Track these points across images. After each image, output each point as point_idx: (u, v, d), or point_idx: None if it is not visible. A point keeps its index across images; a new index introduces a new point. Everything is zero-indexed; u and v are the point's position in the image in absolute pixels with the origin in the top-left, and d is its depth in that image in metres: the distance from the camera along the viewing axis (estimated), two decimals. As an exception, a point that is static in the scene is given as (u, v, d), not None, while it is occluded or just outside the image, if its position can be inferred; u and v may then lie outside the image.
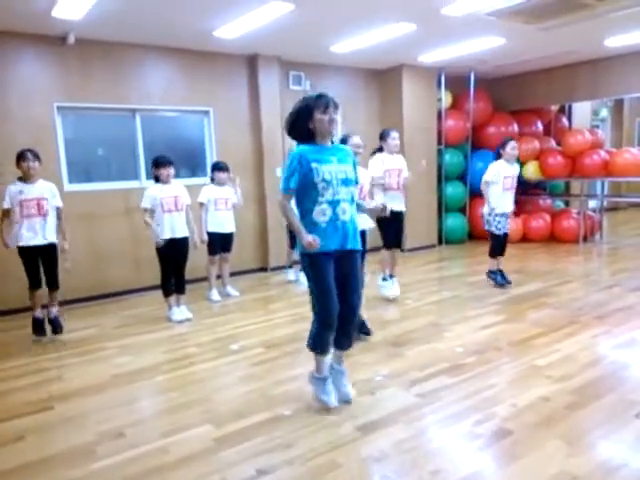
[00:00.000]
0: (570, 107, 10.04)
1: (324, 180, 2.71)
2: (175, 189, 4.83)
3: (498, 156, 5.57)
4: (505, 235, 5.60)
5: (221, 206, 5.54)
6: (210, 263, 5.67)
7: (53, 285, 4.49)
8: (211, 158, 6.59)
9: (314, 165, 2.71)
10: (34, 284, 4.40)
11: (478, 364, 3.55)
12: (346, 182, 2.80)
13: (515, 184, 5.57)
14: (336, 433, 2.70)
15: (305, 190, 2.74)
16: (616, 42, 6.79)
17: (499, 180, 5.43)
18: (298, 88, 7.28)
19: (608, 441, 2.54)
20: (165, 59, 6.22)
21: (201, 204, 5.42)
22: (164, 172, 4.73)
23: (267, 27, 5.41)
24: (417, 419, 2.82)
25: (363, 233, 4.18)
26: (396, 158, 5.03)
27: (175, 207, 4.77)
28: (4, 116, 5.29)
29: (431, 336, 4.18)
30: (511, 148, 5.44)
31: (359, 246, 2.90)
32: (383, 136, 5.00)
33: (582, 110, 10.35)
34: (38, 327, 4.47)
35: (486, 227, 5.65)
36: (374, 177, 4.81)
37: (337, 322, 2.84)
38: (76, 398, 3.33)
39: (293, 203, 2.85)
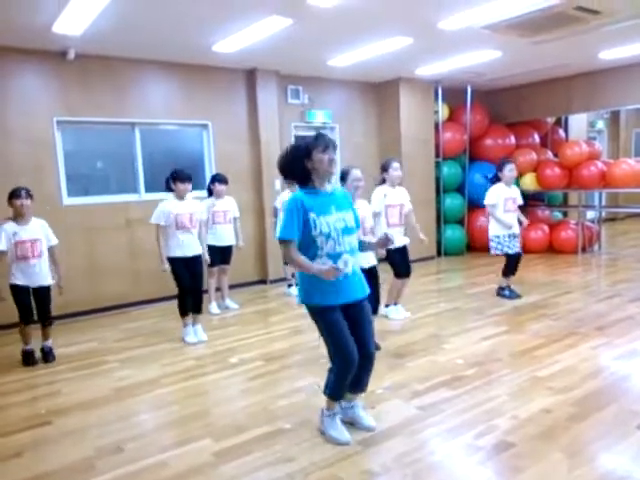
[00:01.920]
0: (567, 119, 10.12)
1: (322, 233, 2.56)
2: (191, 206, 4.65)
3: (497, 179, 5.57)
4: (518, 254, 5.57)
5: (219, 219, 5.54)
6: (209, 276, 5.64)
7: (46, 321, 4.38)
8: (210, 171, 6.61)
9: (312, 216, 2.55)
10: (25, 320, 4.28)
11: (478, 376, 3.54)
12: (347, 231, 2.64)
13: (517, 206, 5.57)
14: (337, 447, 2.69)
15: (304, 240, 2.60)
16: (611, 55, 6.86)
17: (499, 203, 5.44)
18: (296, 102, 7.34)
19: (610, 453, 2.52)
20: (164, 73, 6.27)
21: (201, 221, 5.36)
22: (182, 187, 4.54)
23: (265, 42, 5.46)
24: (418, 432, 2.80)
25: (373, 270, 4.10)
26: (398, 191, 4.87)
27: (190, 224, 4.58)
28: (4, 130, 5.31)
29: (431, 348, 4.17)
30: (509, 170, 5.45)
31: (367, 291, 2.78)
32: (385, 167, 4.82)
33: (578, 122, 10.43)
34: (28, 358, 4.33)
35: (495, 251, 5.57)
36: (375, 212, 4.67)
37: (357, 370, 2.72)
38: (75, 412, 3.31)
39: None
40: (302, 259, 2.59)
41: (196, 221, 4.68)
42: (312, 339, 4.40)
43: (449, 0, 4.57)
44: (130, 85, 6.03)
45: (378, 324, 4.90)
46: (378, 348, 4.12)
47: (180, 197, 4.60)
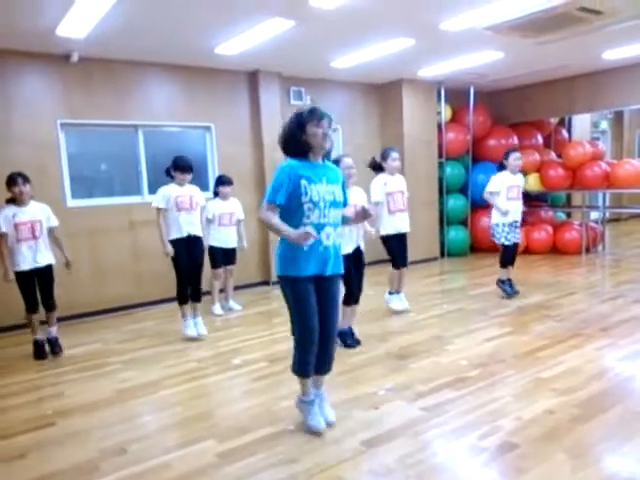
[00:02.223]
0: (570, 119, 10.10)
1: (311, 201, 2.58)
2: (190, 189, 4.73)
3: (501, 167, 5.60)
4: (515, 245, 5.60)
5: (225, 221, 5.53)
6: (214, 277, 5.65)
7: (50, 306, 4.45)
8: (213, 173, 6.63)
9: (303, 182, 2.58)
10: (31, 308, 4.36)
11: (482, 377, 3.53)
12: (334, 204, 2.68)
13: (521, 194, 5.58)
14: (340, 448, 2.68)
15: (290, 208, 2.61)
16: (614, 55, 6.85)
17: (502, 190, 5.45)
18: (299, 103, 7.33)
19: (615, 455, 2.51)
20: (167, 76, 6.29)
21: (207, 220, 5.40)
22: (180, 177, 4.63)
23: (268, 44, 5.47)
24: (421, 433, 2.80)
25: (358, 254, 4.16)
26: (397, 179, 4.96)
27: (190, 206, 4.65)
28: (8, 133, 5.34)
29: (435, 349, 4.17)
30: (514, 159, 5.47)
31: (341, 270, 2.81)
32: (384, 156, 4.90)
33: (582, 122, 10.40)
34: (39, 350, 4.42)
35: (495, 239, 5.63)
36: (375, 201, 4.77)
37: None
38: (78, 414, 3.32)
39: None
40: (279, 222, 2.60)
41: (196, 204, 4.73)
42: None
43: (451, 1, 4.57)
44: (133, 87, 6.05)
45: (381, 325, 4.93)
46: (359, 343, 4.26)
47: (180, 184, 4.67)
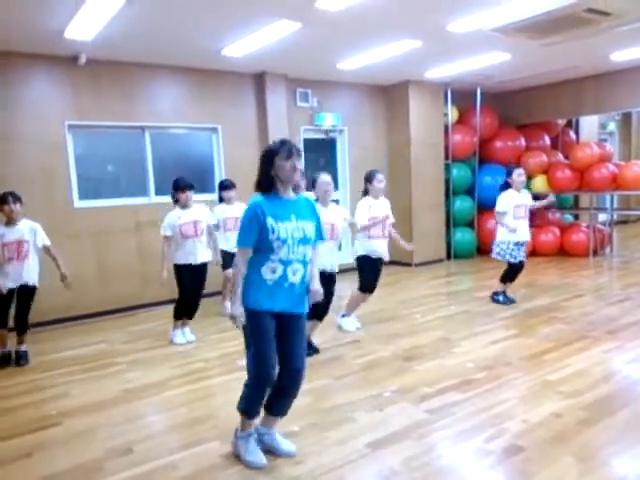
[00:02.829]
0: (577, 121, 10.04)
1: (279, 238, 2.50)
2: (194, 214, 4.64)
3: (507, 186, 5.48)
4: (521, 263, 5.50)
5: (230, 225, 5.44)
6: (227, 279, 5.62)
7: (22, 328, 4.36)
8: (219, 175, 6.64)
9: (269, 221, 2.50)
10: (1, 324, 4.29)
11: (488, 379, 3.51)
12: (303, 241, 2.58)
13: (528, 213, 5.48)
14: (345, 450, 2.68)
15: (259, 245, 2.55)
16: (622, 56, 6.80)
17: (509, 210, 5.36)
18: (305, 105, 7.35)
19: (622, 458, 2.49)
20: (174, 78, 6.31)
21: (215, 226, 5.31)
22: (183, 196, 4.57)
23: (274, 45, 5.48)
24: (427, 435, 2.78)
25: (333, 276, 4.06)
26: (382, 203, 4.74)
27: (195, 233, 4.60)
28: (17, 134, 5.38)
29: (440, 351, 4.15)
30: (517, 175, 5.38)
31: (305, 308, 2.69)
32: (369, 179, 4.69)
33: (590, 124, 10.35)
34: (3, 361, 4.35)
35: (497, 256, 5.52)
36: (361, 225, 4.57)
37: (280, 387, 2.63)
38: (84, 414, 3.33)
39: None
40: (239, 282, 2.57)
41: (201, 229, 4.66)
42: (318, 342, 4.40)
43: (458, 3, 4.56)
44: (140, 89, 6.08)
45: (386, 327, 4.91)
46: (317, 351, 4.17)
47: (184, 206, 4.60)
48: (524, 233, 5.44)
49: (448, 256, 8.61)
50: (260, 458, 2.62)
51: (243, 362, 4.06)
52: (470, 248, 8.69)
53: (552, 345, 4.14)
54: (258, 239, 2.54)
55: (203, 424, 3.08)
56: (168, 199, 4.90)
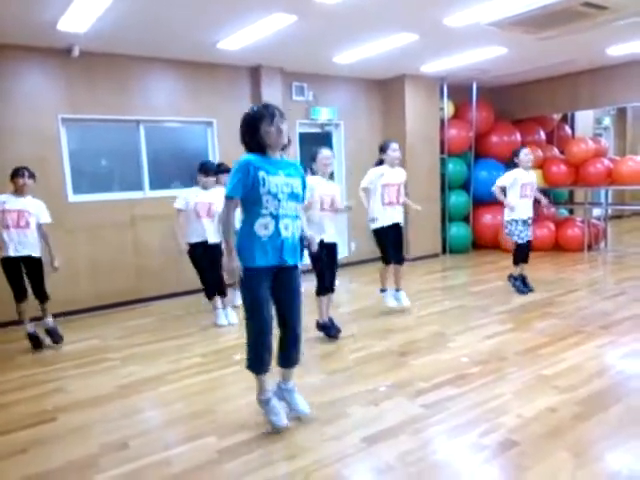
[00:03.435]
0: (573, 116, 10.05)
1: (269, 192, 2.62)
2: (212, 196, 4.85)
3: (513, 165, 5.57)
4: (528, 242, 5.61)
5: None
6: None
7: (41, 297, 4.48)
8: (215, 168, 6.61)
9: (261, 174, 2.61)
10: (18, 296, 4.39)
11: (483, 374, 3.52)
12: (292, 196, 2.71)
13: (533, 192, 5.56)
14: (340, 445, 2.68)
15: (249, 200, 2.65)
16: (618, 51, 6.80)
17: (515, 187, 5.44)
18: (301, 99, 7.32)
19: (616, 452, 2.51)
20: (169, 71, 6.26)
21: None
22: (204, 179, 4.84)
23: (270, 39, 5.45)
24: (422, 430, 2.79)
25: (334, 246, 4.31)
26: (397, 171, 4.93)
27: (207, 214, 4.82)
28: (9, 128, 5.33)
29: (436, 346, 4.16)
30: (524, 154, 5.47)
31: (298, 260, 2.83)
32: (383, 148, 4.90)
33: (585, 118, 10.36)
34: (34, 341, 4.45)
35: (509, 236, 5.66)
36: (362, 187, 4.86)
37: (281, 339, 2.80)
38: (79, 409, 3.32)
39: (239, 212, 2.76)
40: (230, 235, 2.68)
41: (214, 212, 4.84)
42: (314, 336, 4.41)
43: (455, -4, 4.54)
44: (135, 82, 6.03)
45: (381, 321, 4.92)
46: (339, 331, 4.39)
47: (204, 187, 4.84)
48: (527, 211, 5.51)
49: (443, 251, 8.62)
50: (280, 419, 2.82)
51: (238, 357, 4.09)
52: (465, 243, 8.70)
53: (547, 340, 4.16)
54: (249, 193, 2.62)
55: (200, 419, 3.07)
56: (163, 193, 4.91)
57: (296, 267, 2.83)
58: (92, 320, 5.58)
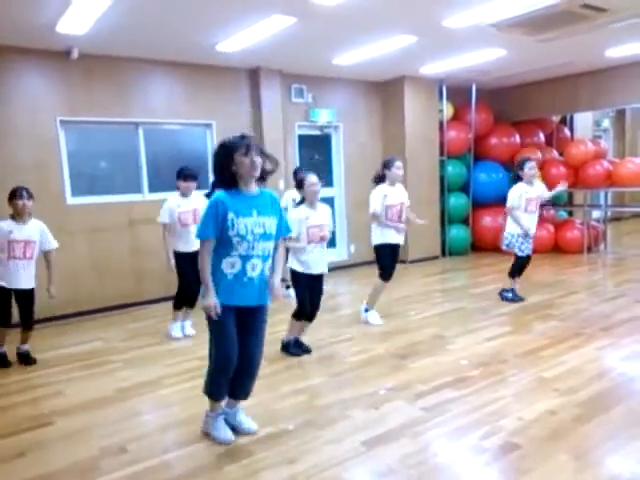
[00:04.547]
0: (572, 118, 10.06)
1: (238, 234, 2.57)
2: (194, 202, 4.64)
3: (517, 179, 5.44)
4: (528, 257, 5.48)
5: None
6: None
7: (29, 325, 4.30)
8: (214, 171, 6.60)
9: (230, 216, 2.56)
10: (3, 323, 4.21)
11: (483, 377, 3.51)
12: (264, 237, 2.65)
13: (539, 206, 5.44)
14: (341, 448, 2.67)
15: (219, 240, 2.61)
16: (617, 52, 6.81)
17: (521, 204, 5.31)
18: (300, 101, 7.32)
19: (617, 455, 2.50)
20: (168, 73, 6.26)
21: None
22: (184, 185, 4.60)
23: (269, 40, 5.44)
24: (422, 433, 2.78)
25: (321, 277, 4.10)
26: (398, 190, 4.80)
27: (194, 221, 4.57)
28: (8, 130, 5.32)
29: (435, 348, 4.15)
30: (529, 169, 5.32)
31: (266, 301, 2.79)
32: (387, 165, 4.75)
33: (584, 121, 10.37)
34: (2, 361, 4.29)
35: (508, 248, 5.52)
36: (373, 213, 4.68)
37: (235, 373, 2.77)
38: (78, 413, 3.31)
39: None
40: (206, 273, 2.65)
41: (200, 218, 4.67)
42: (313, 339, 4.39)
43: (454, -2, 4.54)
44: (133, 85, 6.03)
45: (379, 325, 4.90)
46: (309, 351, 4.20)
47: (183, 195, 4.64)
48: (531, 227, 5.39)
49: (443, 253, 8.62)
50: (226, 434, 2.81)
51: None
52: (465, 245, 8.70)
53: (547, 342, 4.15)
54: (220, 233, 2.59)
55: (198, 423, 3.04)
56: (162, 196, 4.87)
57: (261, 307, 2.79)
58: (92, 323, 5.56)
